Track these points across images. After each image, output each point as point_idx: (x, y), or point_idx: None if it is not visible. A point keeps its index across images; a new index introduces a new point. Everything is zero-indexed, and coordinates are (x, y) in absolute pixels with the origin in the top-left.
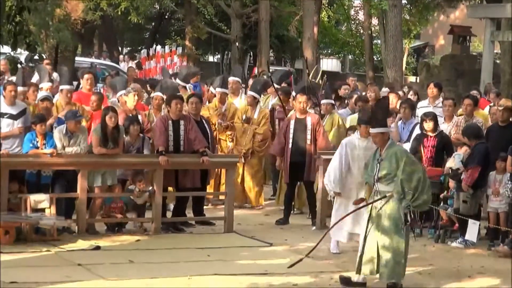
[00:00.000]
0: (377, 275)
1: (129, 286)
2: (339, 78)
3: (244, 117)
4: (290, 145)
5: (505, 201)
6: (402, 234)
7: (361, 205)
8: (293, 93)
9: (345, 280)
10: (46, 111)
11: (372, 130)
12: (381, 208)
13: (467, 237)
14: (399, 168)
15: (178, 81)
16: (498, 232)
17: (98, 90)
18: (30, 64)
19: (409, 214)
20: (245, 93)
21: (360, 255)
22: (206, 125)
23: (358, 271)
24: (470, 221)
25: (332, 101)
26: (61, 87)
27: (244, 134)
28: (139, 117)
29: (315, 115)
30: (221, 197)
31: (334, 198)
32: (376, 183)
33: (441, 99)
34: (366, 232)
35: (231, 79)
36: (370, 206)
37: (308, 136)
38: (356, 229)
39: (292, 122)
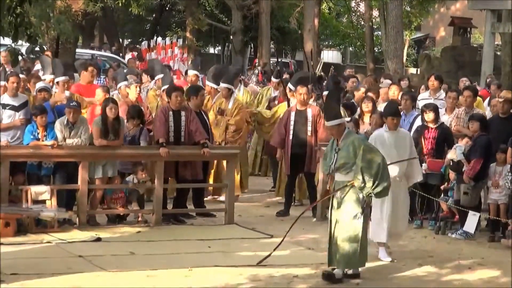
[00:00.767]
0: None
1: (130, 277)
2: (340, 70)
3: (218, 108)
4: (290, 137)
5: (505, 192)
6: (360, 222)
7: (326, 197)
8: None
9: (328, 277)
10: (44, 102)
11: (327, 123)
12: (342, 198)
13: (465, 228)
14: (357, 156)
15: (191, 71)
16: (498, 223)
17: (102, 82)
18: (32, 56)
19: (366, 203)
20: (244, 85)
21: (329, 247)
22: (205, 116)
23: (329, 263)
24: (470, 212)
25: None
26: (56, 79)
27: (217, 126)
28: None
29: (316, 107)
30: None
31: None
32: (334, 173)
33: (442, 91)
34: (331, 224)
35: (222, 85)
36: (332, 197)
37: (309, 128)
38: (397, 227)
39: (293, 114)
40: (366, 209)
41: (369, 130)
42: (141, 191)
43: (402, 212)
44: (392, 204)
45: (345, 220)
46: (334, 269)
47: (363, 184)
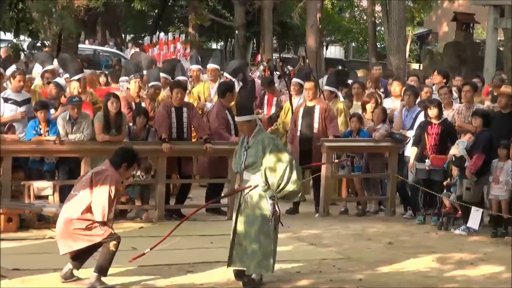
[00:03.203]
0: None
1: (132, 273)
2: (343, 66)
3: None
4: (298, 133)
5: (507, 188)
6: (270, 225)
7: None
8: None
9: (248, 283)
10: (54, 97)
11: (237, 119)
12: (247, 198)
13: (469, 224)
14: (265, 156)
15: (225, 74)
16: (501, 219)
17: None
18: (33, 51)
19: (276, 205)
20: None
21: (230, 247)
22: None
23: (229, 264)
24: (473, 208)
25: (333, 89)
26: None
27: None
28: (143, 104)
29: (325, 102)
30: None
31: None
32: (243, 172)
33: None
34: (235, 224)
35: (209, 66)
36: (239, 196)
37: (316, 124)
38: None
39: (302, 110)
40: (275, 212)
41: (371, 127)
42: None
43: None
44: None
45: (254, 223)
46: (240, 271)
47: (266, 186)
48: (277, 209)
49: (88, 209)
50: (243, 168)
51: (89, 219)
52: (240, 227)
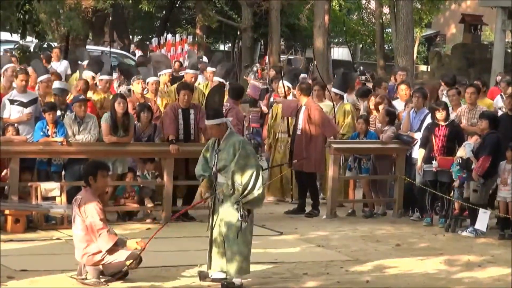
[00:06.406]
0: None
1: (139, 274)
2: (350, 68)
3: None
4: (291, 133)
5: None
6: (245, 227)
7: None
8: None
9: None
10: (61, 100)
11: (207, 122)
12: (221, 201)
13: (477, 226)
14: (234, 159)
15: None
16: (508, 221)
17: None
18: (39, 52)
19: (241, 210)
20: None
21: (209, 250)
22: None
23: (209, 267)
24: (481, 210)
25: (339, 91)
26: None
27: None
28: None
29: (311, 103)
30: None
31: None
32: (216, 174)
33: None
34: (212, 226)
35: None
36: (213, 198)
37: (299, 125)
38: None
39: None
40: (246, 215)
41: (379, 128)
42: (151, 186)
43: None
44: None
45: (230, 226)
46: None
47: (231, 191)
48: (241, 214)
49: (89, 240)
50: (216, 171)
51: (99, 250)
52: (217, 230)
